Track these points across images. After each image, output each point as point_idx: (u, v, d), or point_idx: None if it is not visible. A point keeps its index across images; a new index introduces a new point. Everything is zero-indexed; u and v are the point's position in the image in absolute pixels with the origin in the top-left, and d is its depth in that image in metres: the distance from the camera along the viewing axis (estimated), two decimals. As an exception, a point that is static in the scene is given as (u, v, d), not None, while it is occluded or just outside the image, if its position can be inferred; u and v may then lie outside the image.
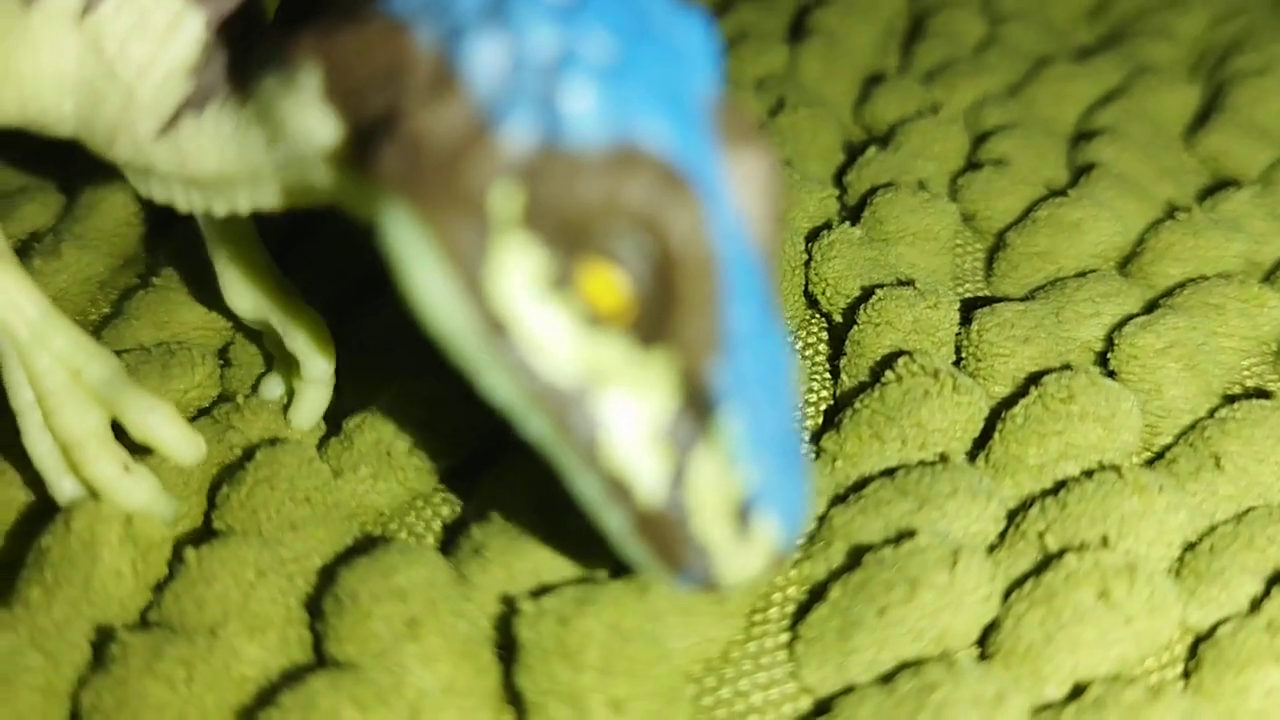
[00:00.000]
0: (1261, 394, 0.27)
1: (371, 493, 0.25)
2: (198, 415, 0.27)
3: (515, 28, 0.17)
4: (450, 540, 0.24)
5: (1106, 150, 0.35)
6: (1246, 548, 0.24)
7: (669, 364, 0.18)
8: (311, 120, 0.18)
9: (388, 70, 0.17)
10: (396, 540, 0.24)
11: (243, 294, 0.26)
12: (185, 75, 0.21)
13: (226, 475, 0.25)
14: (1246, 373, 0.28)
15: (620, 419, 0.18)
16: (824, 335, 0.29)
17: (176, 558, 0.23)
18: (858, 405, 0.26)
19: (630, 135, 0.17)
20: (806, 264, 0.30)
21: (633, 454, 0.18)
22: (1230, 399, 0.27)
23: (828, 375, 0.28)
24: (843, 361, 0.28)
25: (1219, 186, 0.34)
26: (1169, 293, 0.30)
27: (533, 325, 0.18)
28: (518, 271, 0.17)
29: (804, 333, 0.29)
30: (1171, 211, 0.32)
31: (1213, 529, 0.24)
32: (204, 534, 0.25)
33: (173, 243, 0.31)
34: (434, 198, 0.17)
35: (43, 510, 0.24)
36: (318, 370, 0.26)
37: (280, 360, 0.27)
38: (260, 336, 0.28)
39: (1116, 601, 0.22)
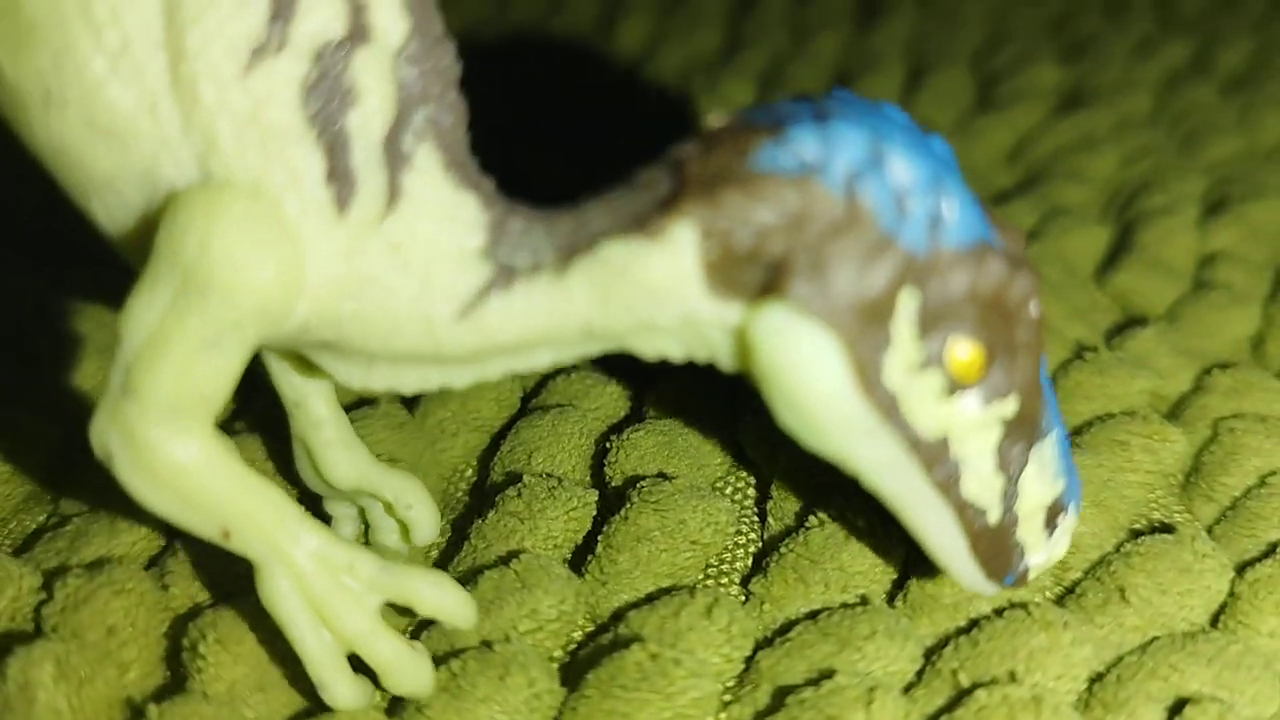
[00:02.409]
0: (1166, 528, 0.29)
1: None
2: (149, 564, 0.28)
3: (894, 166, 0.21)
4: (395, 703, 0.25)
5: (1020, 293, 0.37)
6: (1150, 676, 0.25)
7: (1012, 405, 0.23)
8: (681, 269, 0.21)
9: (795, 216, 0.21)
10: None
11: (346, 469, 0.28)
12: (480, 258, 0.22)
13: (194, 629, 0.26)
14: (1153, 505, 0.30)
15: (975, 457, 0.23)
16: (752, 480, 0.31)
17: (130, 708, 0.24)
18: (784, 550, 0.28)
19: (981, 233, 0.22)
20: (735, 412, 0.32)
21: (985, 483, 0.23)
22: (1136, 533, 0.29)
23: (756, 519, 0.30)
24: (770, 506, 0.29)
25: (1128, 324, 0.36)
26: (1078, 431, 0.31)
27: (914, 401, 0.22)
28: (904, 356, 0.22)
29: (733, 477, 0.31)
30: (1080, 351, 0.34)
31: (1119, 660, 0.26)
32: (167, 686, 0.26)
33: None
34: (848, 310, 0.21)
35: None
36: (428, 533, 0.29)
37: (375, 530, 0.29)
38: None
39: (1024, 734, 0.23)
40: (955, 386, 0.22)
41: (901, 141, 0.21)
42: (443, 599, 0.24)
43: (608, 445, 0.31)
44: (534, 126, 0.48)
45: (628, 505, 0.28)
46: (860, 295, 0.21)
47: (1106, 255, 0.40)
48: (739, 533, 0.29)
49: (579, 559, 0.28)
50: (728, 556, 0.29)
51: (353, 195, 0.22)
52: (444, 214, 0.22)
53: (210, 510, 0.22)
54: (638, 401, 0.33)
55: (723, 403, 0.32)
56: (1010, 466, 0.23)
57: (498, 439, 0.32)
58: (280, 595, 0.23)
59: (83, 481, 0.30)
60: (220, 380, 0.21)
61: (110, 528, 0.29)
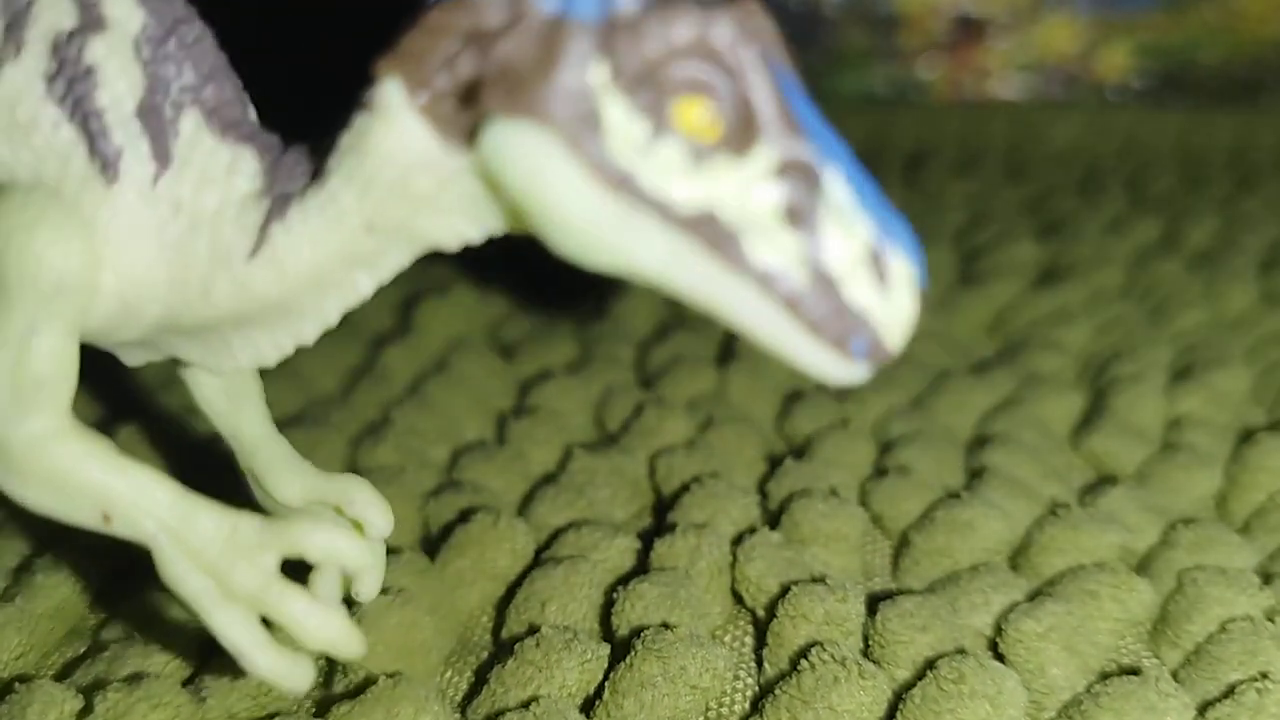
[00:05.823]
0: (1133, 671, 0.31)
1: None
2: (186, 682, 0.30)
3: None
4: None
5: (998, 455, 0.39)
6: (1118, 810, 0.27)
7: (769, 153, 0.21)
8: (406, 128, 0.22)
9: (468, 33, 0.21)
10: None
11: (294, 484, 0.29)
12: (258, 199, 0.24)
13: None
14: (1123, 650, 0.32)
15: (755, 220, 0.21)
16: (750, 629, 0.33)
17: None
18: (778, 692, 0.30)
19: None
20: (733, 565, 0.34)
21: (778, 246, 0.21)
22: (1106, 675, 0.31)
23: (753, 665, 0.32)
24: (765, 652, 0.31)
25: (1100, 483, 0.39)
26: (1051, 581, 0.34)
27: (659, 178, 0.21)
28: (626, 133, 0.20)
29: (732, 626, 0.33)
30: (1055, 509, 0.36)
31: (1089, 794, 0.28)
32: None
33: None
34: (544, 100, 0.20)
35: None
36: (380, 526, 0.29)
37: None
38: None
39: None
40: (699, 151, 0.21)
41: None
42: (340, 542, 0.24)
43: (615, 596, 0.33)
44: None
45: (632, 653, 0.30)
46: (550, 81, 0.20)
47: (1080, 419, 0.43)
48: (736, 677, 0.31)
49: (589, 704, 0.30)
50: (726, 700, 0.31)
51: (119, 164, 0.24)
52: (220, 169, 0.24)
53: (84, 495, 0.23)
54: (644, 553, 0.35)
55: (721, 550, 0.34)
56: (798, 220, 0.21)
57: (513, 588, 0.34)
58: (179, 571, 0.23)
59: (123, 613, 0.33)
60: (53, 363, 0.23)
61: (144, 649, 0.31)
